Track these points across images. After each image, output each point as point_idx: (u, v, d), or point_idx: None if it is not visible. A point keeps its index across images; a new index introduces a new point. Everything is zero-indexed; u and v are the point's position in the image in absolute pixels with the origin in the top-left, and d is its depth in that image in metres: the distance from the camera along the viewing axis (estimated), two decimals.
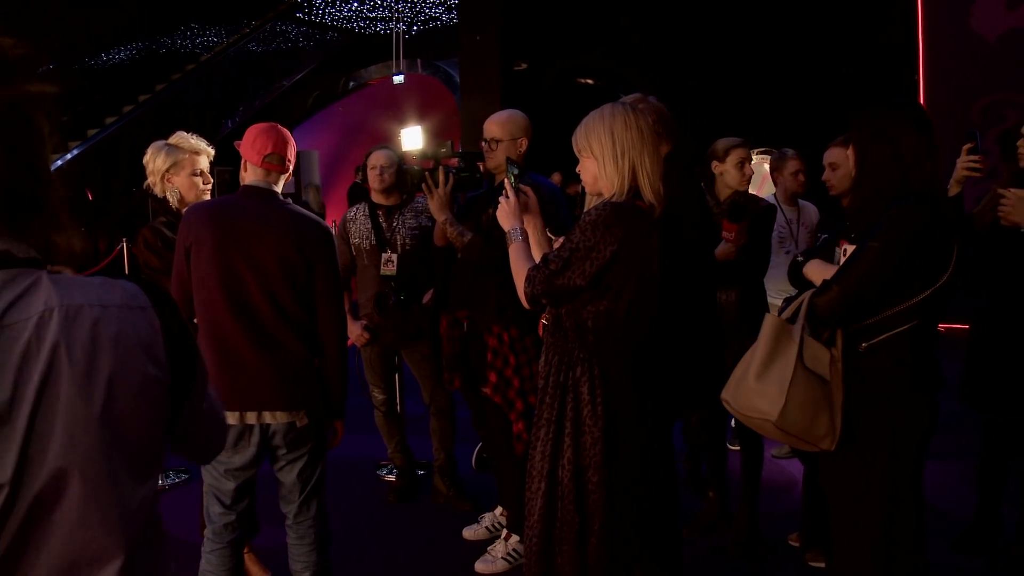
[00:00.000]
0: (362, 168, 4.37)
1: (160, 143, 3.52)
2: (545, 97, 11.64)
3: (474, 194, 3.73)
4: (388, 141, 12.14)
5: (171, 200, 3.47)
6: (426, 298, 4.25)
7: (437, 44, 14.36)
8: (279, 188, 2.89)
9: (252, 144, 2.85)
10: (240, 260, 2.72)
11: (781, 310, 2.38)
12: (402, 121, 13.52)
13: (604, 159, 2.29)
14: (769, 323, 2.28)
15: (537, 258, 2.40)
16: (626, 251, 2.21)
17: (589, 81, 12.85)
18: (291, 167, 2.90)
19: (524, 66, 12.02)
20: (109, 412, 0.98)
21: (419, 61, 14.69)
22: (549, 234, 2.53)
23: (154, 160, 3.48)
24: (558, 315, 2.34)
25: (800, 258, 2.62)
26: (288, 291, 2.74)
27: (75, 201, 1.46)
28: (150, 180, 3.51)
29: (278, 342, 2.75)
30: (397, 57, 14.45)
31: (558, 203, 3.44)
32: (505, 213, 2.50)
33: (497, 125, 3.54)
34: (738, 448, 4.33)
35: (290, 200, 2.91)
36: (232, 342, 2.72)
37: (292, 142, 2.91)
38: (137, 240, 3.41)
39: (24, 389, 0.94)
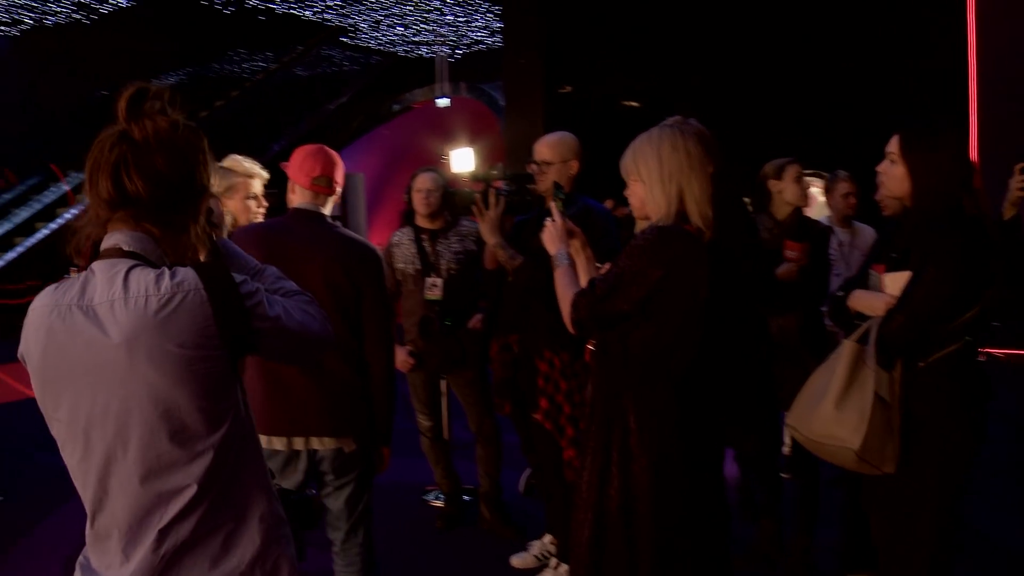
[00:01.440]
0: (408, 191, 4.37)
1: (214, 166, 3.58)
2: (590, 120, 11.66)
3: (524, 217, 3.74)
4: (433, 164, 12.16)
5: (224, 224, 3.51)
6: (471, 323, 4.26)
7: (481, 67, 14.48)
8: (327, 210, 2.91)
9: (300, 166, 2.88)
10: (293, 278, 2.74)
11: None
12: (447, 144, 13.62)
13: (651, 182, 2.29)
14: (847, 350, 2.30)
15: (583, 283, 2.40)
16: (673, 276, 2.20)
17: (634, 104, 12.84)
18: (339, 189, 2.93)
19: (569, 89, 12.05)
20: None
21: (463, 84, 14.81)
22: (596, 262, 2.53)
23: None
24: (604, 341, 2.33)
25: (840, 292, 2.61)
26: (336, 315, 2.75)
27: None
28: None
29: (326, 367, 2.76)
30: (441, 80, 14.59)
31: (608, 228, 3.43)
32: (551, 237, 2.50)
33: (547, 147, 3.54)
34: (791, 477, 4.25)
35: (338, 223, 2.93)
36: (279, 367, 2.74)
37: (340, 164, 2.94)
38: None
39: None
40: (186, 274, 1.45)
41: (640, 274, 2.20)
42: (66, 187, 11.79)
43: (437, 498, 4.79)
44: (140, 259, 1.48)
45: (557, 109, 11.43)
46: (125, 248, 1.48)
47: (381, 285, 2.86)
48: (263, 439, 2.77)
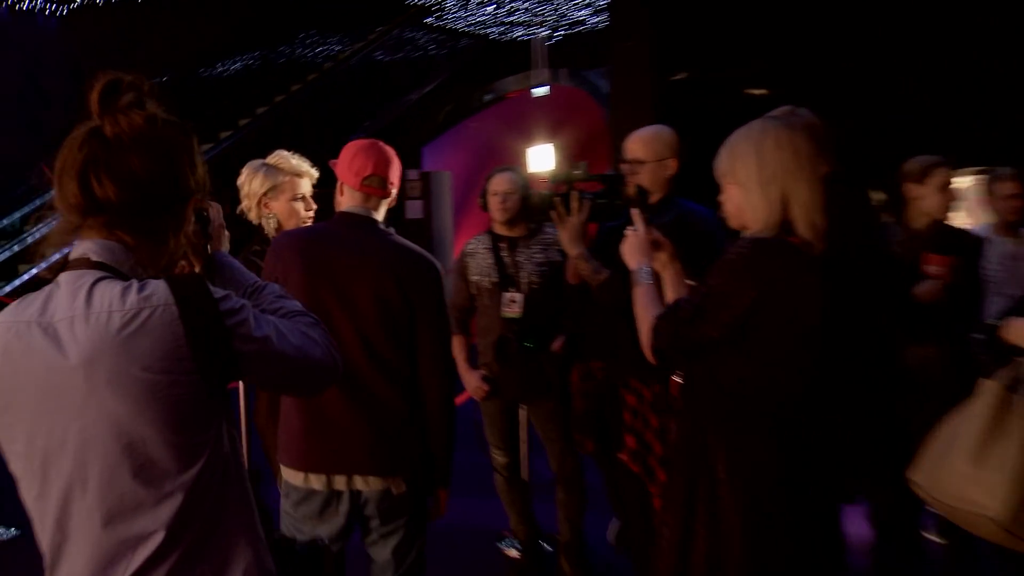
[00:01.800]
0: (483, 194, 4.38)
1: (257, 163, 3.66)
2: (709, 111, 11.48)
3: (613, 224, 3.68)
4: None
5: (267, 227, 3.60)
6: (556, 345, 4.23)
7: (584, 51, 14.46)
8: (380, 215, 2.93)
9: (349, 164, 2.90)
10: (331, 298, 2.77)
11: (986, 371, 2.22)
12: (546, 138, 13.64)
13: (750, 186, 2.22)
14: (990, 392, 2.19)
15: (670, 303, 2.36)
16: (771, 298, 2.12)
17: (760, 92, 12.58)
18: (394, 191, 2.95)
19: (684, 75, 11.89)
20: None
21: (563, 71, 14.81)
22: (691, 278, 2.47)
23: (250, 182, 3.61)
24: (691, 374, 2.29)
25: (995, 320, 2.45)
26: (386, 336, 2.77)
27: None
28: (244, 204, 3.65)
29: (373, 396, 2.78)
30: (538, 66, 14.63)
31: (712, 239, 3.34)
32: (632, 248, 2.47)
33: (640, 143, 3.50)
34: (939, 540, 4.05)
35: (392, 230, 2.95)
36: (320, 395, 2.74)
37: (396, 162, 2.95)
38: None
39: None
40: (156, 287, 1.46)
41: (731, 295, 2.14)
42: None
43: (511, 547, 4.76)
44: (110, 271, 1.50)
45: (671, 99, 11.31)
46: (93, 258, 1.51)
47: (439, 303, 2.87)
48: (298, 476, 2.81)
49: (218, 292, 1.50)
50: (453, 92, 15.94)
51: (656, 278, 2.42)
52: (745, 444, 2.18)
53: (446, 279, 2.94)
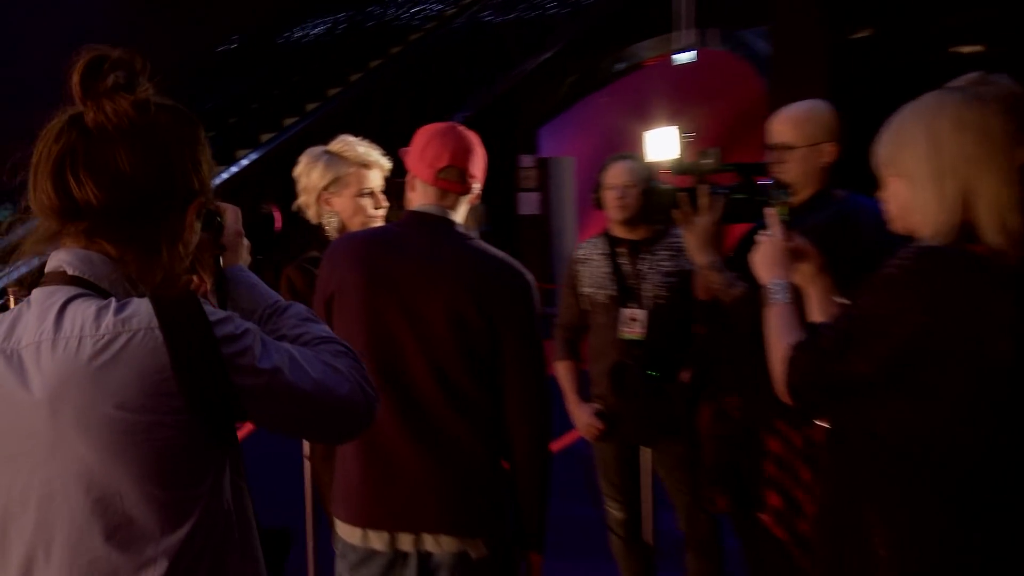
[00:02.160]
0: (597, 187, 4.41)
1: (317, 150, 3.72)
2: (898, 77, 11.22)
3: (754, 228, 3.62)
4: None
5: (328, 228, 3.66)
6: (685, 375, 4.19)
7: (738, 7, 14.29)
8: (458, 216, 2.96)
9: (422, 153, 2.94)
10: (397, 316, 2.82)
11: None
12: (690, 114, 13.55)
13: (919, 178, 2.15)
14: None
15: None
16: (946, 324, 2.05)
17: (971, 49, 12.19)
18: (477, 187, 2.97)
19: (866, 32, 11.68)
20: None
21: (713, 32, 14.67)
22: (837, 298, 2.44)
23: (308, 174, 3.68)
24: (838, 421, 2.25)
25: None
26: (463, 364, 2.81)
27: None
28: (302, 200, 3.72)
29: (448, 437, 2.82)
30: (683, 27, 14.52)
31: (882, 243, 3.25)
32: (765, 257, 2.45)
33: (789, 124, 3.45)
34: None
35: (473, 234, 2.97)
36: (383, 434, 2.80)
37: (479, 151, 2.99)
38: (280, 282, 3.59)
39: None
40: (138, 307, 1.46)
41: (890, 321, 2.07)
42: None
43: None
44: (88, 287, 1.52)
45: (848, 63, 11.11)
46: (69, 272, 1.52)
47: (529, 322, 2.89)
48: (356, 533, 2.85)
49: (216, 313, 1.50)
50: (578, 60, 15.96)
51: (797, 296, 2.39)
52: (911, 515, 2.12)
53: (538, 293, 2.95)
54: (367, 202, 3.63)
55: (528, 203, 15.38)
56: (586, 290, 4.41)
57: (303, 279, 3.49)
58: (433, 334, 2.79)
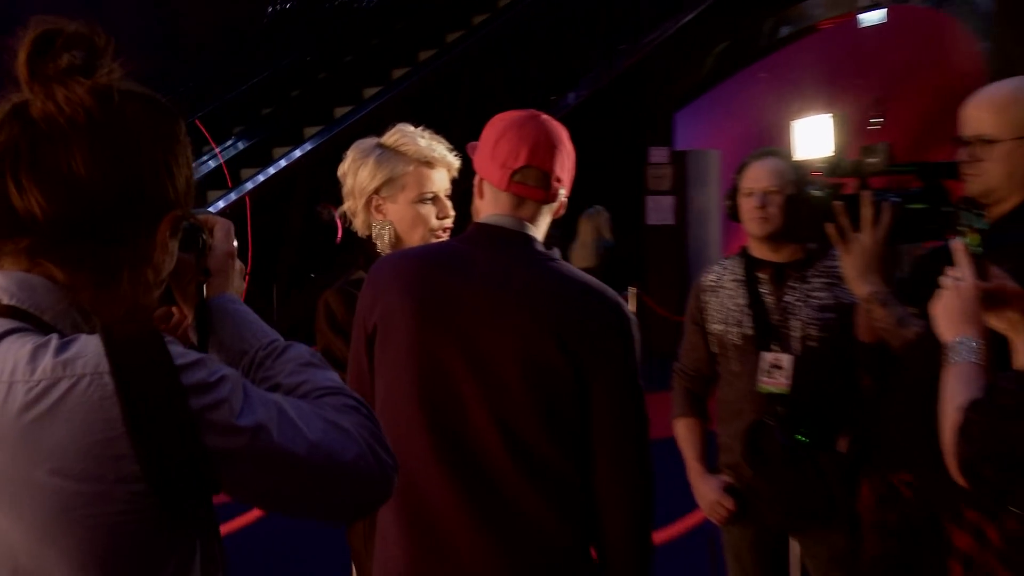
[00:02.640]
0: (731, 193, 4.38)
1: (368, 144, 3.73)
2: None
3: (936, 248, 3.59)
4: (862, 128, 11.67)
5: (380, 243, 3.65)
6: (843, 443, 4.18)
7: None
8: (539, 230, 2.97)
9: (493, 150, 2.94)
10: (456, 357, 2.83)
11: None
12: (877, 94, 13.42)
13: None
14: None
15: None
16: None
17: None
18: (563, 194, 2.97)
19: None
20: None
21: None
22: None
23: (355, 173, 3.69)
24: None
25: None
26: (539, 419, 2.79)
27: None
28: (347, 206, 3.73)
29: (517, 515, 2.82)
30: None
31: None
32: (951, 311, 2.48)
33: (991, 110, 3.34)
34: None
35: (556, 253, 2.99)
36: (433, 510, 2.82)
37: (568, 148, 2.99)
38: (317, 310, 3.62)
39: None
40: (85, 346, 1.46)
41: None
42: (218, 154, 12.79)
43: None
44: (26, 319, 1.52)
45: None
46: (4, 300, 1.53)
47: (628, 369, 2.88)
48: None
49: (185, 355, 1.48)
50: (727, 23, 15.88)
51: (987, 355, 2.40)
52: None
53: (639, 330, 2.95)
54: (429, 210, 3.63)
55: (659, 210, 15.26)
56: (715, 327, 4.40)
57: (345, 307, 3.49)
58: (502, 381, 2.79)
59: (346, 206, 3.73)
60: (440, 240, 3.64)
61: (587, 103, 14.13)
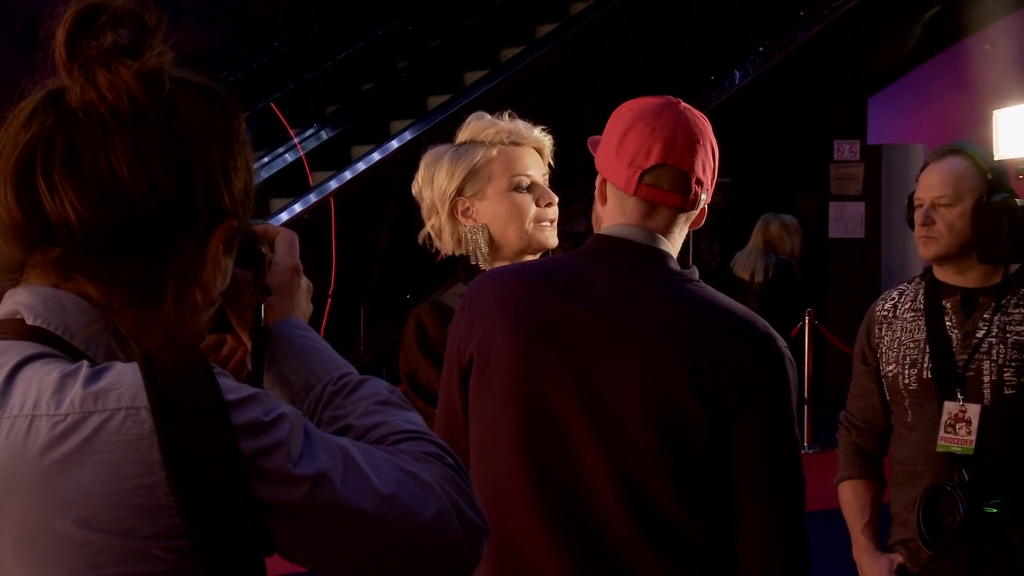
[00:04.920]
0: (909, 204, 4.39)
1: (439, 148, 3.82)
2: None
3: None
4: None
5: (477, 253, 3.70)
6: None
7: None
8: (674, 244, 2.99)
9: (618, 145, 2.95)
10: (568, 397, 2.84)
11: None
12: None
13: None
14: None
15: None
16: None
17: None
18: (704, 198, 2.98)
19: None
20: None
21: None
22: None
23: (431, 181, 3.76)
24: None
25: None
26: (669, 475, 2.79)
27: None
28: (430, 225, 3.79)
29: None
30: None
31: None
32: None
33: None
34: None
35: (694, 273, 2.98)
36: (536, 569, 2.84)
37: (712, 143, 3.00)
38: (406, 326, 3.70)
39: None
40: (120, 376, 1.48)
41: None
42: (297, 146, 12.65)
43: None
44: (54, 343, 1.56)
45: None
46: (29, 320, 1.57)
47: (783, 419, 2.89)
48: None
49: (237, 390, 1.51)
50: None
51: None
52: None
53: (795, 372, 2.94)
54: (525, 198, 3.67)
55: (845, 219, 14.78)
56: (889, 368, 4.35)
57: (440, 325, 3.53)
58: (623, 428, 2.77)
59: (429, 226, 3.78)
60: (545, 234, 3.66)
61: (756, 84, 13.89)
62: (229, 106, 1.68)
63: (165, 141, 1.57)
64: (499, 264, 3.61)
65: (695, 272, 2.97)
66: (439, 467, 1.68)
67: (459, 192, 3.69)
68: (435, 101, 13.39)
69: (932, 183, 4.30)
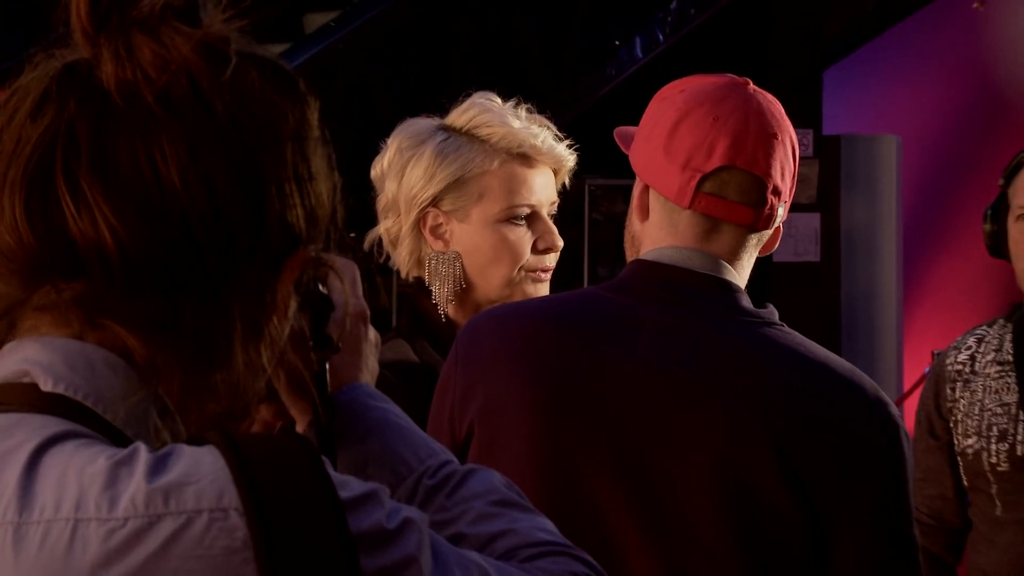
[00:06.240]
0: (994, 213, 4.26)
1: (423, 125, 3.67)
2: None
3: None
4: None
5: (436, 288, 3.58)
6: None
7: None
8: (741, 273, 2.90)
9: (667, 140, 2.85)
10: (605, 480, 2.76)
11: None
12: None
13: None
14: None
15: None
16: None
17: None
18: (781, 212, 2.90)
19: None
20: None
21: None
22: None
23: (402, 171, 3.61)
24: None
25: None
26: None
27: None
28: (384, 227, 3.66)
29: None
30: None
31: None
32: None
33: None
34: None
35: (772, 313, 2.87)
36: None
37: (789, 136, 2.91)
38: None
39: None
40: (196, 465, 1.36)
41: None
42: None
43: None
44: (83, 417, 1.42)
45: None
46: (47, 386, 1.43)
47: (895, 510, 2.82)
48: None
49: (347, 484, 1.40)
50: None
51: None
52: None
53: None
54: (522, 235, 3.56)
55: (796, 236, 14.47)
56: (969, 443, 4.32)
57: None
58: (684, 521, 2.71)
59: (382, 228, 3.67)
60: (536, 288, 3.58)
61: (674, 50, 13.58)
62: (302, 91, 1.57)
63: (228, 139, 1.46)
64: (463, 310, 3.57)
65: (774, 313, 2.89)
66: None
67: (434, 201, 3.58)
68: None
69: None
